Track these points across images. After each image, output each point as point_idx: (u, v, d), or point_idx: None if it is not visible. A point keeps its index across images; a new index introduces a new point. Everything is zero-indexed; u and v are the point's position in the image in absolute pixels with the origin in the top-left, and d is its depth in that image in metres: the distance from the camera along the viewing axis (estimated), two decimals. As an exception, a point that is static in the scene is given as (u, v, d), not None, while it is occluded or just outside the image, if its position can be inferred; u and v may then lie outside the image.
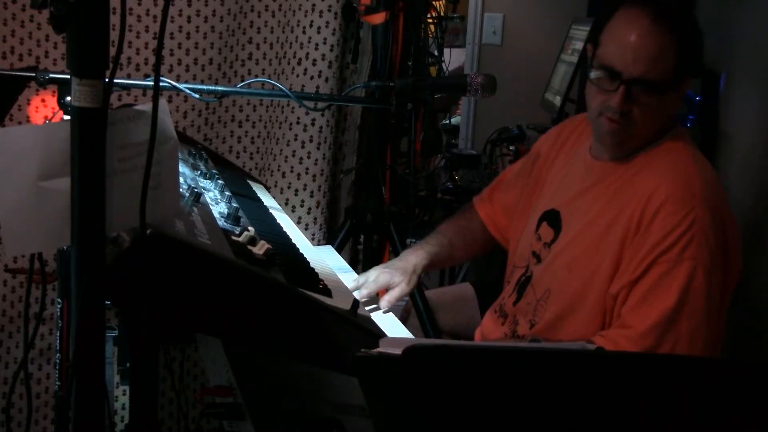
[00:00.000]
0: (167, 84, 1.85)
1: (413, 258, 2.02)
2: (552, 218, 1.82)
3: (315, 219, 2.72)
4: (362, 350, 1.07)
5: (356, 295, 1.84)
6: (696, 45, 1.69)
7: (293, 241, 1.85)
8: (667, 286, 1.56)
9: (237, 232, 1.51)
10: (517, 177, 2.13)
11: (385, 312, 1.85)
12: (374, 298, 1.91)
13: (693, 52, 1.68)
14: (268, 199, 2.25)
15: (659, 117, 1.69)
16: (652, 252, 1.58)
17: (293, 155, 2.67)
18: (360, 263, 2.83)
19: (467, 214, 2.22)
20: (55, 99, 1.64)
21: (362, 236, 2.75)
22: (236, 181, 2.18)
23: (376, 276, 1.94)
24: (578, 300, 1.69)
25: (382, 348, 1.09)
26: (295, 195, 2.69)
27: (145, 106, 1.15)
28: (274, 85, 2.03)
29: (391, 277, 1.95)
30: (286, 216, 2.22)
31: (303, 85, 2.62)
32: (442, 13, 3.58)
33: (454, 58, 4.57)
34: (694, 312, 1.55)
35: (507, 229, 2.14)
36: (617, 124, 1.68)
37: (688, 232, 1.56)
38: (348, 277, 1.96)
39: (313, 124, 2.65)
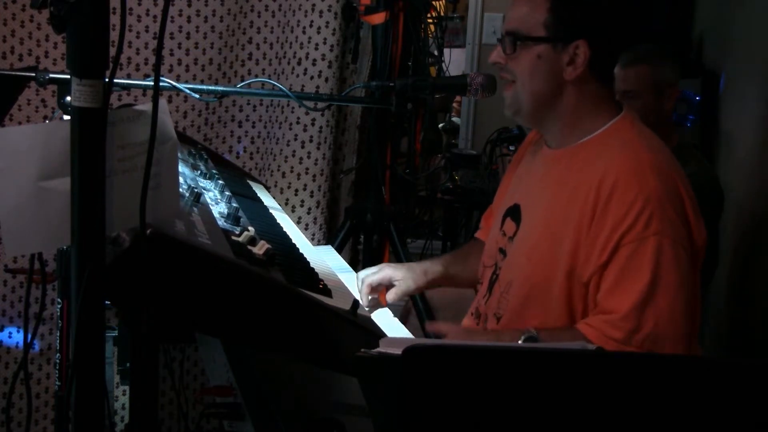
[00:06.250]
0: (167, 84, 1.85)
1: (427, 262, 2.04)
2: (514, 212, 1.83)
3: (315, 219, 2.72)
4: (362, 350, 1.07)
5: (361, 282, 1.86)
6: (576, 4, 1.69)
7: (293, 241, 1.84)
8: (637, 266, 1.57)
9: (237, 232, 1.51)
10: (501, 187, 2.13)
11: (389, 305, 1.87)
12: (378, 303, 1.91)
13: (571, 11, 1.68)
14: (268, 199, 2.25)
15: (542, 76, 1.69)
16: (614, 234, 1.58)
17: (293, 155, 2.67)
18: (360, 263, 2.83)
19: (470, 242, 2.22)
20: (55, 99, 1.64)
21: (362, 236, 2.75)
22: (236, 181, 2.18)
23: (380, 268, 1.96)
24: (540, 288, 1.69)
25: (382, 348, 1.09)
26: (295, 195, 2.69)
27: (145, 106, 1.15)
28: (274, 85, 2.03)
29: (395, 271, 1.95)
30: (286, 216, 2.22)
31: (303, 85, 2.62)
32: (442, 13, 3.58)
33: (454, 59, 4.57)
34: (669, 285, 1.56)
35: None
36: (506, 89, 1.75)
37: (647, 208, 1.57)
38: (348, 277, 1.96)
39: (313, 124, 2.65)
